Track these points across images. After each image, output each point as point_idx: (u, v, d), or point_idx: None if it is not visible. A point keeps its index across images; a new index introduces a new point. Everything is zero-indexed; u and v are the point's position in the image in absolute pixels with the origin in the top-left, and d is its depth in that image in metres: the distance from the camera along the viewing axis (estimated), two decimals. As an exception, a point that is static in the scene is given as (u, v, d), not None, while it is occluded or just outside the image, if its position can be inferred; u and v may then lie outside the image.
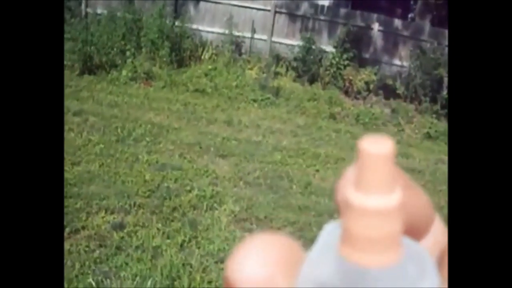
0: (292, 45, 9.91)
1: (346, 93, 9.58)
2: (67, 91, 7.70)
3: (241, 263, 0.27)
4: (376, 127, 8.63)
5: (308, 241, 4.75)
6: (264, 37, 10.20)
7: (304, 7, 10.23)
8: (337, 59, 9.58)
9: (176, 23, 9.85)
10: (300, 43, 9.78)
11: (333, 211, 5.32)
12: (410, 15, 10.80)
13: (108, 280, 3.80)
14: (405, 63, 9.77)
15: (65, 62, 8.71)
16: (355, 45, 9.72)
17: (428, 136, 8.50)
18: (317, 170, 6.41)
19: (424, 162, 7.24)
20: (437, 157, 7.50)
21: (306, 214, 5.27)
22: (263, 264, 0.27)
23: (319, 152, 6.96)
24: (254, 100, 8.71)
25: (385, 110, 9.19)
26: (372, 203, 0.24)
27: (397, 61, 9.97)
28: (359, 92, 9.50)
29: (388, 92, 9.52)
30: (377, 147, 0.25)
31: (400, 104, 9.32)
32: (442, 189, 6.16)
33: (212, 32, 10.26)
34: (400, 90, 9.41)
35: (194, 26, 10.14)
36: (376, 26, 9.99)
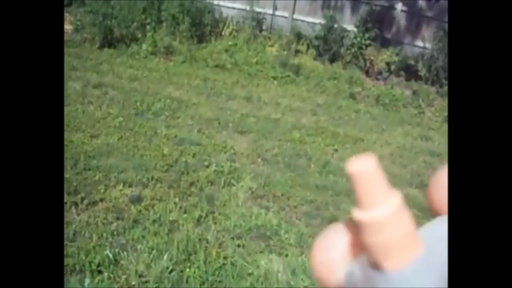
0: (314, 23, 9.82)
1: (367, 73, 9.50)
2: (87, 64, 7.74)
3: (328, 247, 0.32)
4: (396, 108, 8.55)
5: (324, 221, 4.76)
6: (286, 14, 10.11)
7: (327, -15, 10.12)
8: (358, 38, 9.48)
9: (197, -2, 9.81)
10: (322, 21, 9.68)
11: (350, 191, 5.31)
12: (434, -4, 10.62)
13: (125, 253, 3.85)
14: (428, 45, 9.63)
15: (85, 35, 8.73)
16: (378, 24, 9.61)
17: (449, 119, 8.40)
18: (336, 150, 6.39)
19: (443, 145, 7.17)
20: (457, 141, 7.41)
21: (323, 193, 5.26)
22: (345, 249, 0.32)
23: (338, 131, 6.93)
24: (274, 78, 8.68)
25: (406, 92, 9.10)
26: (369, 217, 0.28)
27: (419, 43, 9.83)
28: (380, 73, 9.41)
29: (410, 73, 9.42)
30: (360, 166, 0.27)
31: (421, 86, 9.21)
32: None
33: (233, 8, 10.19)
34: (422, 72, 9.29)
35: (215, 2, 10.09)
36: (399, 6, 9.85)
